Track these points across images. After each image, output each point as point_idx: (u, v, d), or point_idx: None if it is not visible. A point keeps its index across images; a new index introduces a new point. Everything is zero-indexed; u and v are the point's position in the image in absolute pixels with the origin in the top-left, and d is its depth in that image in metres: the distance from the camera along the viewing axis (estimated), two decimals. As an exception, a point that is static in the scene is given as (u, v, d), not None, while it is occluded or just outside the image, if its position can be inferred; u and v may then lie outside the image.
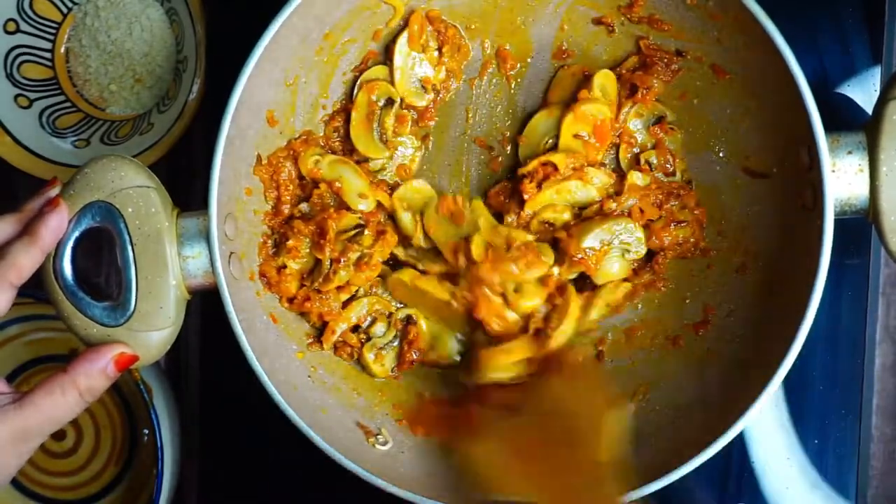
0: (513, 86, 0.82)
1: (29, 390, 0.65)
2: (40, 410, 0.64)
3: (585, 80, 0.80)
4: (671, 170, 0.80)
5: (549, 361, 0.75)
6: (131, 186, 0.69)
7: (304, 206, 0.79)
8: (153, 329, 0.69)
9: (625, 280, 0.80)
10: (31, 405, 0.64)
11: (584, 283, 0.80)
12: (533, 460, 0.70)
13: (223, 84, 0.70)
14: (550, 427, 0.71)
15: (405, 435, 0.78)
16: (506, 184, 0.82)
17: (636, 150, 0.81)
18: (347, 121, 0.81)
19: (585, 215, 0.79)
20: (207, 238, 0.70)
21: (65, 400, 0.65)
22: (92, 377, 0.66)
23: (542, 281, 0.76)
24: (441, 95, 0.82)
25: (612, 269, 0.78)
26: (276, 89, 0.76)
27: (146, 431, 0.94)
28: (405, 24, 0.79)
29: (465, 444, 0.73)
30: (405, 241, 0.79)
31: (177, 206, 0.72)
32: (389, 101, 0.80)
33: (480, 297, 0.76)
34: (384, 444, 0.76)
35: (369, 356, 0.80)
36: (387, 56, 0.81)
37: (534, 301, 0.76)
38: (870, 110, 0.81)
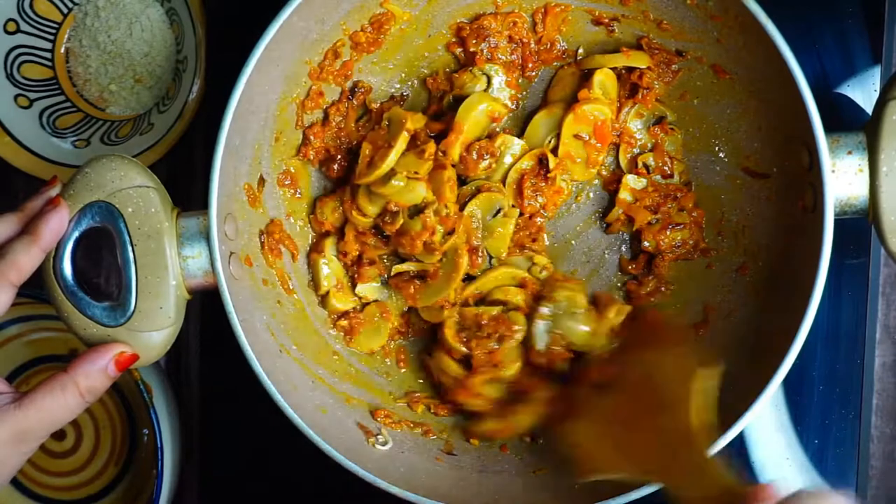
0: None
1: (29, 390, 0.65)
2: (41, 410, 0.64)
3: (585, 80, 0.80)
4: (669, 172, 0.80)
5: (633, 331, 0.75)
6: (131, 186, 0.69)
7: None
8: (153, 329, 0.69)
9: (626, 296, 0.81)
10: (32, 405, 0.64)
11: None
12: (629, 433, 0.70)
13: (223, 84, 0.70)
14: (642, 397, 0.70)
15: (406, 434, 0.78)
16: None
17: (636, 150, 0.81)
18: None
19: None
20: (207, 238, 0.70)
21: (65, 400, 0.65)
22: (92, 377, 0.66)
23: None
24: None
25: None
26: (276, 89, 0.76)
27: (146, 431, 0.94)
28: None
29: (562, 428, 0.73)
30: None
31: (177, 206, 0.72)
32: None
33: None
34: (384, 444, 0.76)
35: None
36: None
37: (514, 368, 0.77)
38: (870, 110, 0.81)
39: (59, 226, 0.67)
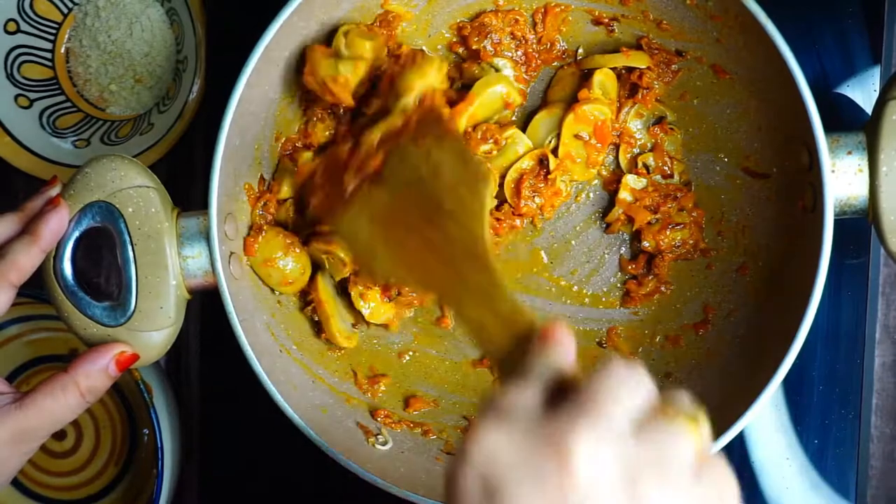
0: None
1: (30, 390, 0.65)
2: (41, 411, 0.64)
3: (585, 80, 0.80)
4: (669, 172, 0.80)
5: (425, 112, 0.69)
6: (131, 186, 0.69)
7: None
8: (153, 329, 0.69)
9: (626, 295, 0.81)
10: (33, 405, 0.64)
11: None
12: (407, 234, 0.64)
13: (223, 84, 0.70)
14: (425, 194, 0.65)
15: (405, 434, 0.78)
16: None
17: (636, 150, 0.81)
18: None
19: None
20: (207, 238, 0.70)
21: (66, 400, 0.65)
22: (93, 377, 0.66)
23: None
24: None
25: None
26: (276, 89, 0.76)
27: (146, 431, 0.94)
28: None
29: (338, 220, 0.67)
30: None
31: (177, 206, 0.72)
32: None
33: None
34: (384, 444, 0.76)
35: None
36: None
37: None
38: (869, 110, 0.81)
39: (59, 226, 0.67)
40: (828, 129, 0.66)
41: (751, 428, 0.86)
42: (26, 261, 0.66)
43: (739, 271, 0.77)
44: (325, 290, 0.78)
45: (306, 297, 0.80)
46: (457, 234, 0.62)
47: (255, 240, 0.75)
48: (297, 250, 0.77)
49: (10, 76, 0.94)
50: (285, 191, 0.77)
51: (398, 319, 0.81)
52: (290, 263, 0.76)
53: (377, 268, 0.65)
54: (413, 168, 0.66)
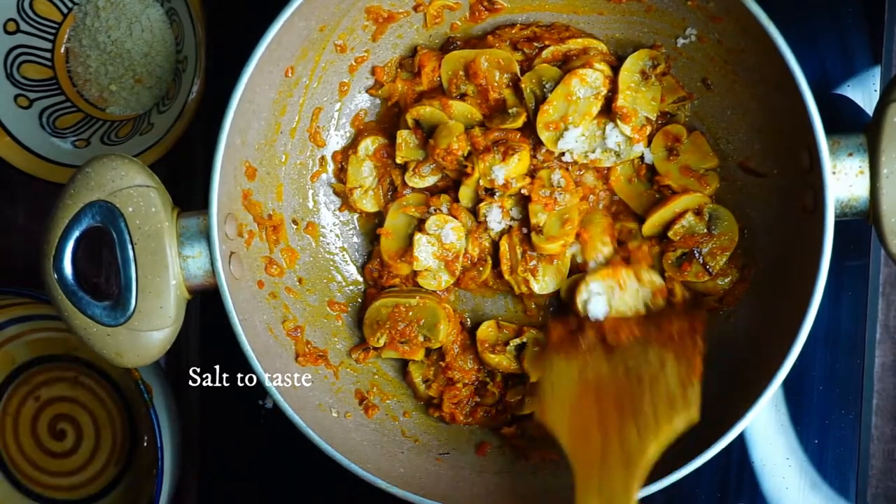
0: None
1: None
2: None
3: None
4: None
5: (670, 319, 0.74)
6: (131, 186, 0.69)
7: None
8: (153, 329, 0.69)
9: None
10: None
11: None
12: (591, 405, 0.69)
13: (223, 84, 0.70)
14: (628, 386, 0.70)
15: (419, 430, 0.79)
16: None
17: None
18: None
19: None
20: (208, 238, 0.70)
21: None
22: None
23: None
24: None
25: None
26: (276, 89, 0.76)
27: (146, 432, 0.94)
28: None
29: (551, 360, 0.73)
30: None
31: (177, 206, 0.72)
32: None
33: None
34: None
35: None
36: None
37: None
38: (870, 111, 0.81)
39: None
40: (828, 129, 0.66)
41: (751, 428, 0.86)
42: None
43: (740, 272, 0.77)
44: None
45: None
46: (630, 436, 0.67)
47: None
48: None
49: (9, 76, 0.93)
50: None
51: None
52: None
53: (549, 407, 0.71)
54: (644, 363, 0.71)
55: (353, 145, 0.82)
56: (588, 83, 0.76)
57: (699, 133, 0.78)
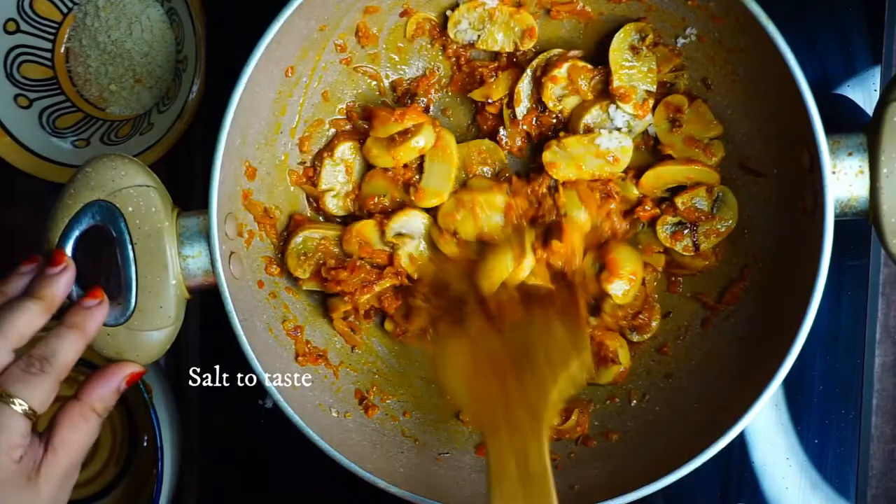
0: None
1: (51, 429, 0.66)
2: (72, 446, 0.66)
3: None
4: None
5: (557, 290, 0.76)
6: (132, 185, 0.69)
7: None
8: (153, 328, 0.69)
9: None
10: (62, 445, 0.65)
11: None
12: (487, 374, 0.71)
13: (223, 84, 0.70)
14: (522, 354, 0.71)
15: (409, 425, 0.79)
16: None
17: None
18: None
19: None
20: (207, 237, 0.70)
21: (88, 426, 0.67)
22: (107, 399, 0.68)
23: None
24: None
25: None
26: (276, 89, 0.76)
27: (146, 432, 0.94)
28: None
29: (442, 341, 0.75)
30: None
31: (177, 206, 0.72)
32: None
33: None
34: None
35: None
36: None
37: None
38: (870, 111, 0.81)
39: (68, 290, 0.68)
40: (828, 129, 0.66)
41: (751, 428, 0.86)
42: (72, 354, 0.66)
43: (740, 272, 0.77)
44: None
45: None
46: (529, 388, 0.69)
47: None
48: None
49: (9, 76, 0.93)
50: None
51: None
52: None
53: (446, 380, 0.74)
54: (533, 332, 0.73)
55: (328, 147, 0.81)
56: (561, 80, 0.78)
57: (701, 101, 0.78)
